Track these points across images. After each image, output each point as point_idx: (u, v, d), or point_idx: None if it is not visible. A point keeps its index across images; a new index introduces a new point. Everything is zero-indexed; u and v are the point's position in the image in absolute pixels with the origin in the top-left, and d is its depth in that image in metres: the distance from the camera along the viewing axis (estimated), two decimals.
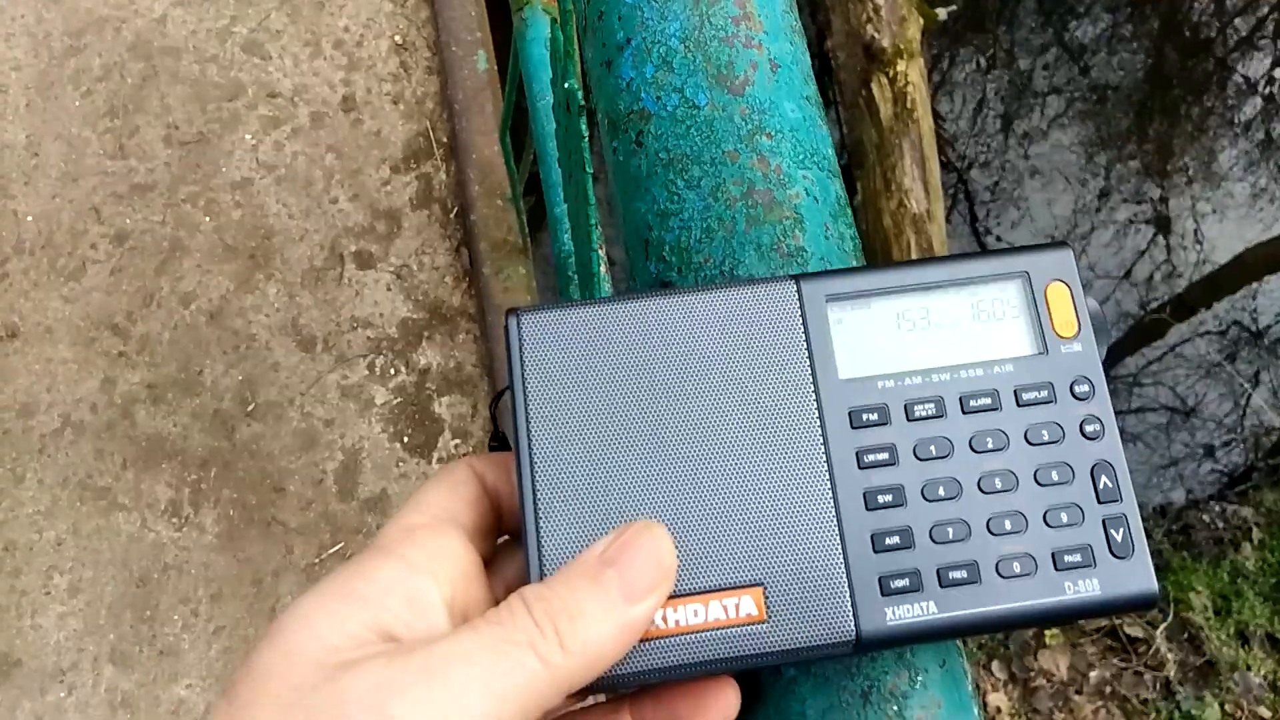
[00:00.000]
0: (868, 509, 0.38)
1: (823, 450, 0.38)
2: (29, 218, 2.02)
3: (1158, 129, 3.10)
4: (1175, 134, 3.08)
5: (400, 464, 1.83)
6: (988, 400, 0.40)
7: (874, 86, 2.17)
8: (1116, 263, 2.83)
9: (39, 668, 1.71)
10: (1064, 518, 0.38)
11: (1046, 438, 0.39)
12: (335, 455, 1.85)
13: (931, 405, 0.40)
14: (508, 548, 0.41)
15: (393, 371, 1.90)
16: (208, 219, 2.04)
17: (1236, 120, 3.14)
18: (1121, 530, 0.38)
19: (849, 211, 0.55)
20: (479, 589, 0.38)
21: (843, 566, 0.37)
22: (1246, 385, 2.58)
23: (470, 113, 2.03)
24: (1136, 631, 1.85)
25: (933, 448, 0.39)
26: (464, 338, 1.89)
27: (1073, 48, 3.20)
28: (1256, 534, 2.02)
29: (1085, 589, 0.38)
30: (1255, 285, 2.83)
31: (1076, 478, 0.39)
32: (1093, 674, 1.81)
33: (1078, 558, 0.38)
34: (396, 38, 2.11)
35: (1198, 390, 2.61)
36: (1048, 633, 1.91)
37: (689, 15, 0.55)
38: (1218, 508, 2.18)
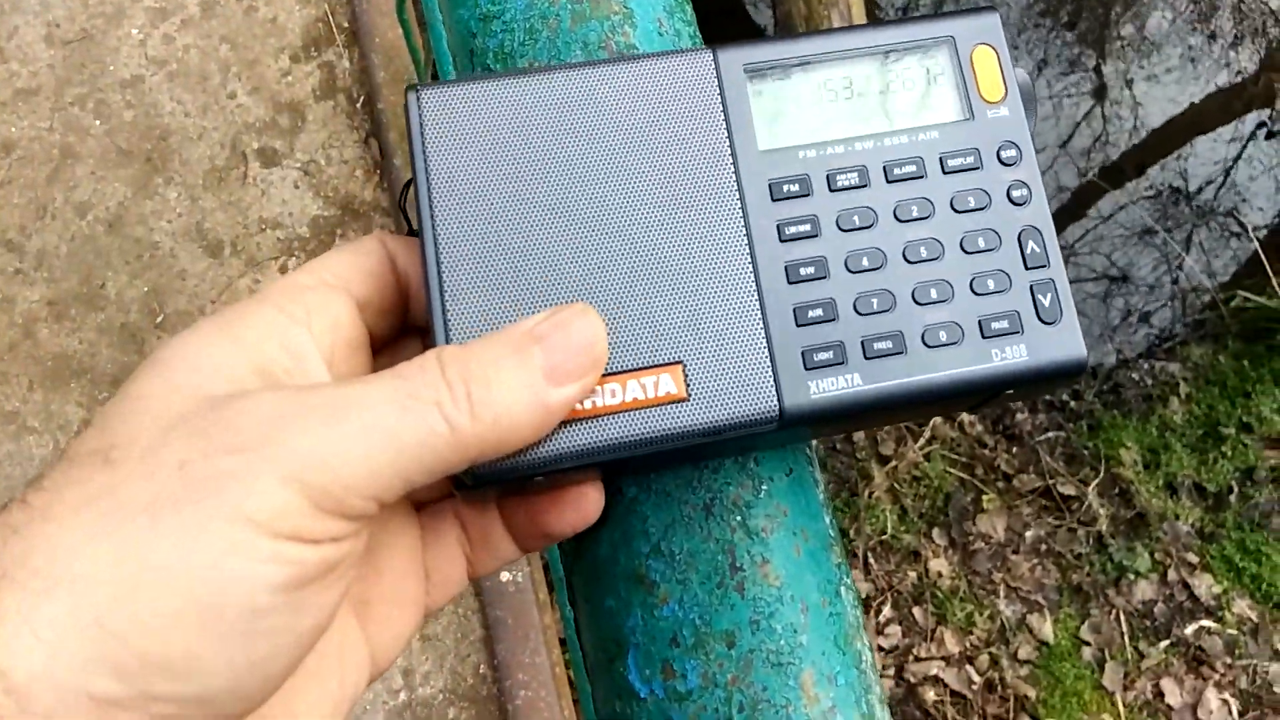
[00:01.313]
0: (789, 282, 0.36)
1: (742, 224, 0.37)
2: None
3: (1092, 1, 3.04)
4: (1110, 2, 3.03)
5: None
6: (912, 168, 0.38)
7: None
8: (1054, 133, 2.80)
9: None
10: (990, 284, 0.37)
11: (973, 204, 0.38)
12: None
13: (854, 175, 0.38)
14: (409, 341, 0.39)
15: None
16: (98, 122, 1.93)
17: None
18: (1049, 295, 0.37)
19: (688, 7, 0.49)
20: (361, 360, 0.36)
21: (764, 341, 0.36)
22: (1178, 248, 2.59)
23: None
24: (1069, 490, 1.87)
25: (855, 218, 0.37)
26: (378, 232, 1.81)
27: None
28: (1184, 388, 2.04)
29: (1013, 355, 0.36)
30: (1186, 149, 2.83)
31: (1003, 244, 0.37)
32: (1029, 533, 1.83)
33: (1004, 324, 0.37)
34: None
35: (1131, 255, 2.62)
36: (984, 497, 1.92)
37: None
38: (1146, 365, 2.20)
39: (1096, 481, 1.88)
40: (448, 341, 0.34)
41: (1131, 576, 1.81)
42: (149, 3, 1.97)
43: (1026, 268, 0.37)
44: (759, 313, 0.36)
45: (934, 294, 0.36)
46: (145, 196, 1.88)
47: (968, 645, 1.87)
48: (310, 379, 0.33)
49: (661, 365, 0.35)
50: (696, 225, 0.36)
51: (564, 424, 0.34)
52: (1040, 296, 0.37)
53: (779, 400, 0.35)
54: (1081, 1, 3.03)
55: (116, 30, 1.96)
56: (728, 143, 0.37)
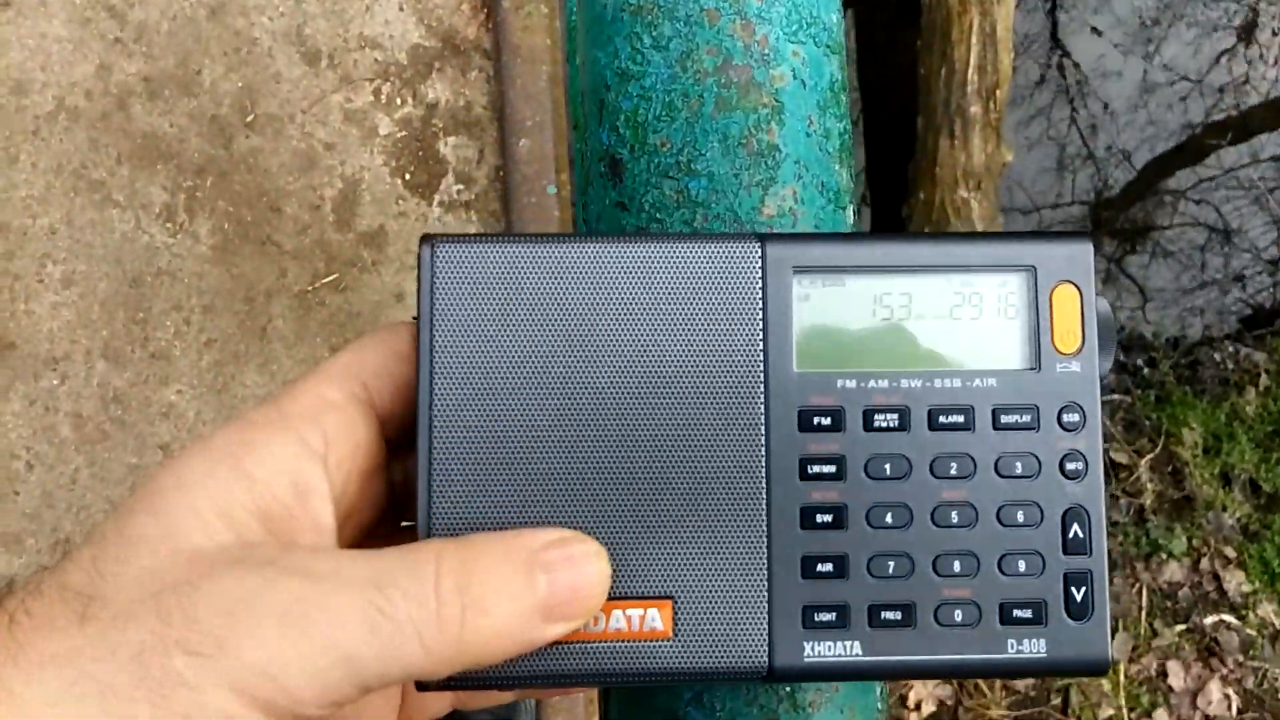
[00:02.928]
0: (803, 527, 0.34)
1: (763, 452, 0.34)
2: None
3: None
4: None
5: (400, 201, 1.77)
6: (960, 418, 0.35)
7: None
8: (1191, 66, 2.61)
9: (32, 353, 1.73)
10: (1021, 566, 0.34)
11: (1019, 470, 0.35)
12: (334, 182, 1.79)
13: (895, 416, 0.35)
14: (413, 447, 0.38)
15: (399, 101, 1.79)
16: None
17: None
18: (1084, 589, 0.34)
19: (843, 100, 0.46)
20: (375, 488, 0.35)
21: (765, 588, 0.33)
22: None
23: None
24: (1123, 458, 1.84)
25: (887, 466, 0.34)
26: (476, 75, 1.76)
27: None
28: (1264, 380, 1.96)
29: (1029, 649, 0.34)
30: None
31: (1044, 520, 0.34)
32: None
33: (1028, 613, 0.34)
34: None
35: (1242, 216, 2.49)
36: None
37: None
38: (1231, 348, 2.12)
39: (1152, 455, 1.85)
40: (430, 530, 0.33)
41: (1164, 556, 1.80)
42: None
43: (1065, 553, 0.34)
44: (764, 556, 0.33)
45: (957, 567, 0.34)
46: None
47: None
48: (314, 518, 0.32)
49: (651, 599, 0.33)
50: (713, 445, 0.34)
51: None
52: (1074, 588, 0.34)
53: (769, 657, 0.33)
54: None
55: None
56: (762, 355, 0.34)
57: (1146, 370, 2.05)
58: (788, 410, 0.34)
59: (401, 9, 1.81)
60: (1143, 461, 1.82)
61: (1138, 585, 1.78)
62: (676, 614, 0.33)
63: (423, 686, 0.33)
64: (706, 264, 0.35)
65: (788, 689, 0.38)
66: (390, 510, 0.37)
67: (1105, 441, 1.95)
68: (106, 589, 0.29)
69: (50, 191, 1.79)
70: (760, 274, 0.35)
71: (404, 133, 1.78)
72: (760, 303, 0.35)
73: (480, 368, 0.34)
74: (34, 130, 1.80)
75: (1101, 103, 2.54)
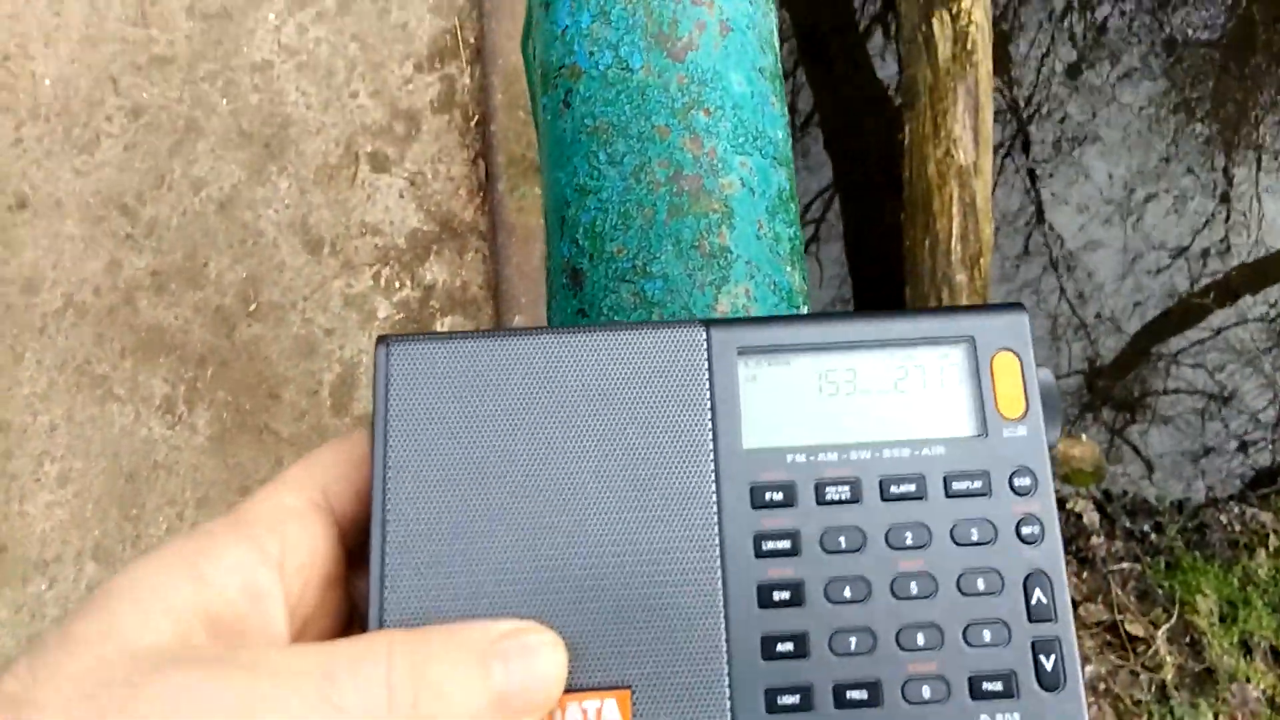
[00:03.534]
0: (761, 606, 0.33)
1: (716, 532, 0.34)
2: (46, 81, 1.97)
3: (1233, 97, 2.92)
4: (1251, 104, 2.90)
5: None
6: (912, 487, 0.34)
7: (935, 22, 2.03)
8: (1172, 235, 2.69)
9: (23, 556, 1.71)
10: (987, 636, 0.33)
11: (975, 537, 0.34)
12: (333, 366, 1.82)
13: (846, 488, 0.34)
14: None
15: (398, 285, 1.85)
16: (225, 101, 1.97)
17: None
18: (1053, 657, 0.33)
19: (792, 207, 0.47)
20: (333, 598, 0.34)
21: (725, 673, 0.32)
22: None
23: (501, 13, 1.93)
24: (1138, 630, 1.78)
25: (842, 539, 0.34)
26: (472, 256, 1.82)
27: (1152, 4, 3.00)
28: (1273, 541, 1.93)
29: None
30: None
31: (1006, 588, 0.33)
32: (1088, 668, 1.74)
33: (998, 685, 0.33)
34: None
35: (1236, 379, 2.51)
36: None
37: None
38: (1237, 509, 2.09)
39: (1168, 625, 1.79)
40: (382, 623, 0.32)
41: None
42: None
43: (1030, 620, 0.33)
44: (723, 638, 0.32)
45: (920, 640, 0.33)
46: (258, 182, 1.92)
47: None
48: (266, 625, 0.31)
49: (607, 689, 0.32)
50: (666, 529, 0.33)
51: None
52: (1043, 657, 0.33)
53: None
54: (1221, 97, 2.90)
55: (255, 12, 2.00)
56: (711, 436, 0.34)
57: (1154, 536, 2.01)
58: (739, 488, 0.34)
59: (401, 195, 1.88)
60: (1159, 633, 1.75)
61: None
62: (635, 704, 0.32)
63: None
64: (653, 350, 0.35)
65: None
66: (353, 624, 0.36)
67: (1120, 613, 1.90)
68: (41, 693, 0.28)
69: (53, 388, 1.81)
70: (706, 357, 0.35)
71: (402, 315, 1.83)
72: (707, 385, 0.35)
73: (433, 461, 0.34)
74: (41, 328, 1.84)
75: (1087, 272, 2.60)
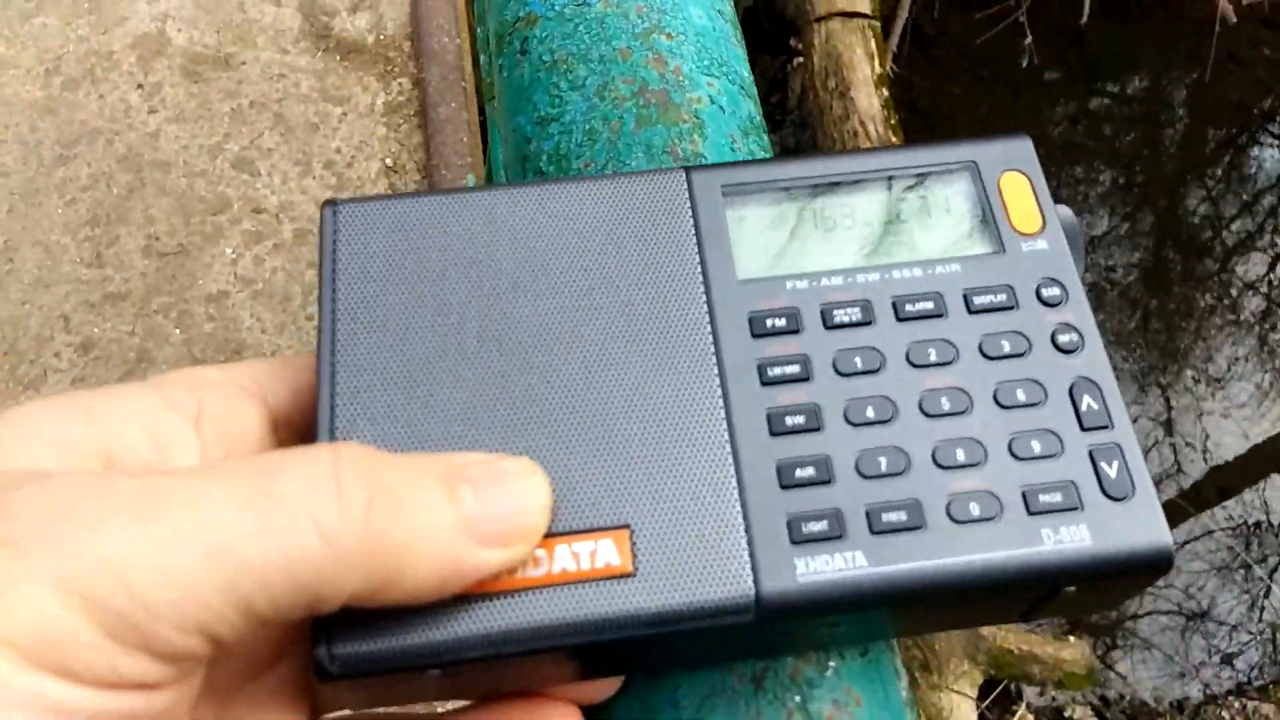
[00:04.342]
0: (772, 434, 0.29)
1: (714, 362, 0.30)
2: None
3: (1159, 327, 3.08)
4: (1177, 333, 3.06)
5: None
6: (929, 305, 0.31)
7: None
8: None
9: None
10: (1036, 447, 0.29)
11: (1008, 349, 0.30)
12: None
13: (856, 310, 0.31)
14: None
15: None
16: (178, 331, 1.98)
17: (1238, 320, 3.13)
18: (1115, 463, 0.28)
19: (765, 137, 0.46)
20: None
21: (738, 504, 0.28)
22: (1264, 579, 2.44)
23: None
24: None
25: (858, 360, 0.30)
26: None
27: None
28: None
29: (1070, 538, 0.27)
30: (1263, 482, 2.75)
31: (1050, 398, 0.29)
32: None
33: (1058, 497, 0.28)
34: (387, 160, 2.10)
35: (1211, 591, 2.49)
36: None
37: None
38: (1238, 704, 2.00)
39: None
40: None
41: None
42: (247, 226, 2.06)
43: (1083, 428, 0.29)
44: (731, 467, 0.28)
45: (961, 455, 0.28)
46: None
47: None
48: None
49: (602, 529, 0.27)
50: (656, 362, 0.29)
51: (467, 600, 0.26)
52: (1104, 464, 0.28)
53: (755, 583, 0.26)
54: (1148, 334, 3.05)
55: (212, 248, 2.05)
56: (699, 270, 0.31)
57: None
58: (736, 318, 0.30)
59: None
60: None
61: None
62: (635, 544, 0.27)
63: (322, 673, 0.25)
64: (629, 195, 0.32)
65: (797, 699, 0.30)
66: None
67: None
68: None
69: None
70: (689, 199, 0.32)
71: None
72: (692, 224, 0.32)
73: (389, 313, 0.30)
74: None
75: None
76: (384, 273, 0.31)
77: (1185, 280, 3.18)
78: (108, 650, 0.21)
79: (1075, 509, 0.28)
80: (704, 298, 0.31)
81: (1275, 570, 2.53)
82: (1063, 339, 0.30)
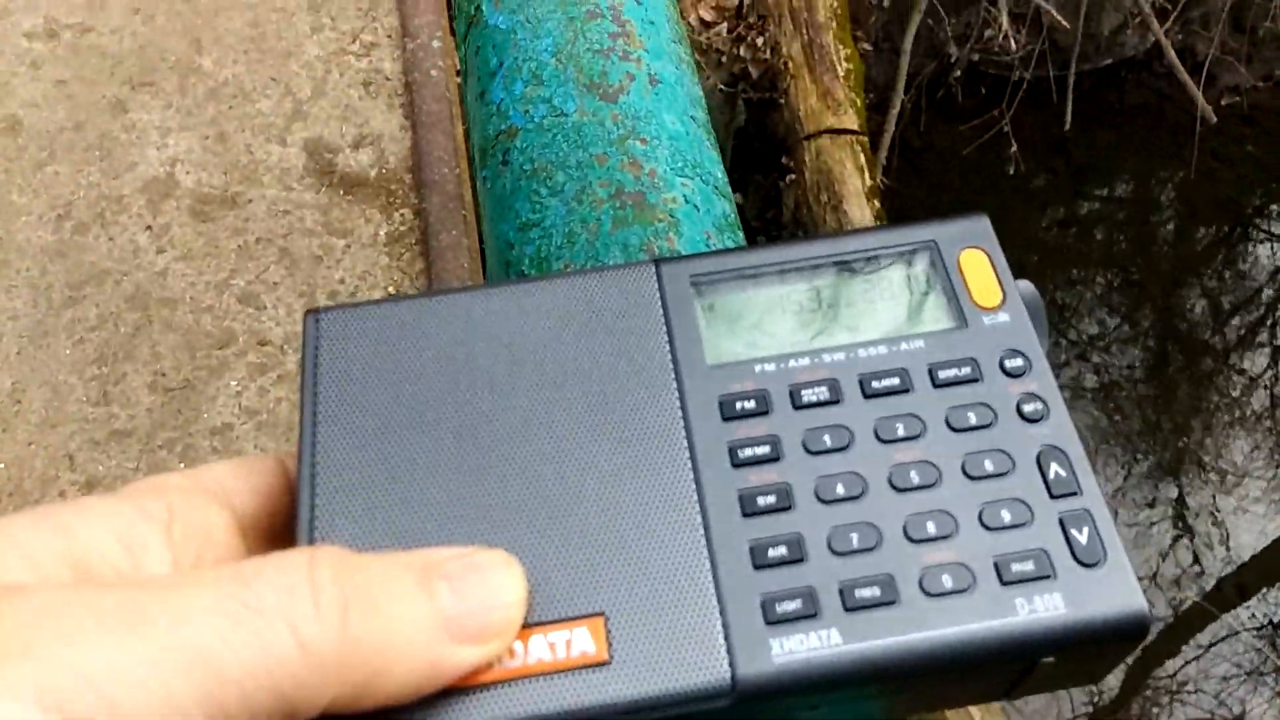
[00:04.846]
0: (745, 514, 0.29)
1: (685, 446, 0.30)
2: (0, 465, 1.97)
3: (1169, 425, 3.07)
4: (1187, 431, 3.05)
5: None
6: (895, 381, 0.31)
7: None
8: (1140, 566, 2.71)
9: None
10: (1006, 516, 0.29)
11: (974, 421, 0.30)
12: None
13: (824, 389, 0.31)
14: None
15: None
16: (182, 465, 1.97)
17: (1245, 414, 3.12)
18: (1085, 529, 0.28)
19: (740, 235, 0.47)
20: None
21: (712, 587, 0.28)
22: None
23: None
24: None
25: (826, 438, 0.30)
26: None
27: (1079, 343, 3.23)
28: None
29: (1044, 607, 0.27)
30: None
31: (1018, 467, 0.29)
32: None
33: (1030, 566, 0.28)
34: (390, 288, 2.14)
35: (1242, 694, 2.42)
36: None
37: (562, 31, 0.50)
38: None
39: None
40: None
41: None
42: (252, 358, 2.09)
43: (1052, 496, 0.29)
44: (704, 551, 0.28)
45: (932, 528, 0.28)
46: None
47: None
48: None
49: (577, 618, 0.27)
50: (627, 450, 0.30)
51: (445, 696, 0.26)
52: (1074, 531, 0.28)
53: (731, 665, 0.26)
54: (1156, 435, 3.04)
55: (217, 381, 2.06)
56: (670, 359, 0.32)
57: None
58: (707, 403, 0.31)
59: None
60: None
61: None
62: (610, 632, 0.27)
63: None
64: (602, 291, 0.33)
65: None
66: None
67: None
68: None
69: None
70: (658, 290, 0.33)
71: None
72: (662, 314, 0.33)
73: (368, 415, 0.31)
74: None
75: None
76: (363, 375, 0.31)
77: (1190, 377, 3.19)
78: None
79: (1048, 577, 0.28)
80: (674, 385, 0.31)
81: None
82: (1028, 408, 0.31)
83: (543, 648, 0.26)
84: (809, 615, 0.27)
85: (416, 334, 0.32)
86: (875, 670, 0.26)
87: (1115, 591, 0.27)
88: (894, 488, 0.29)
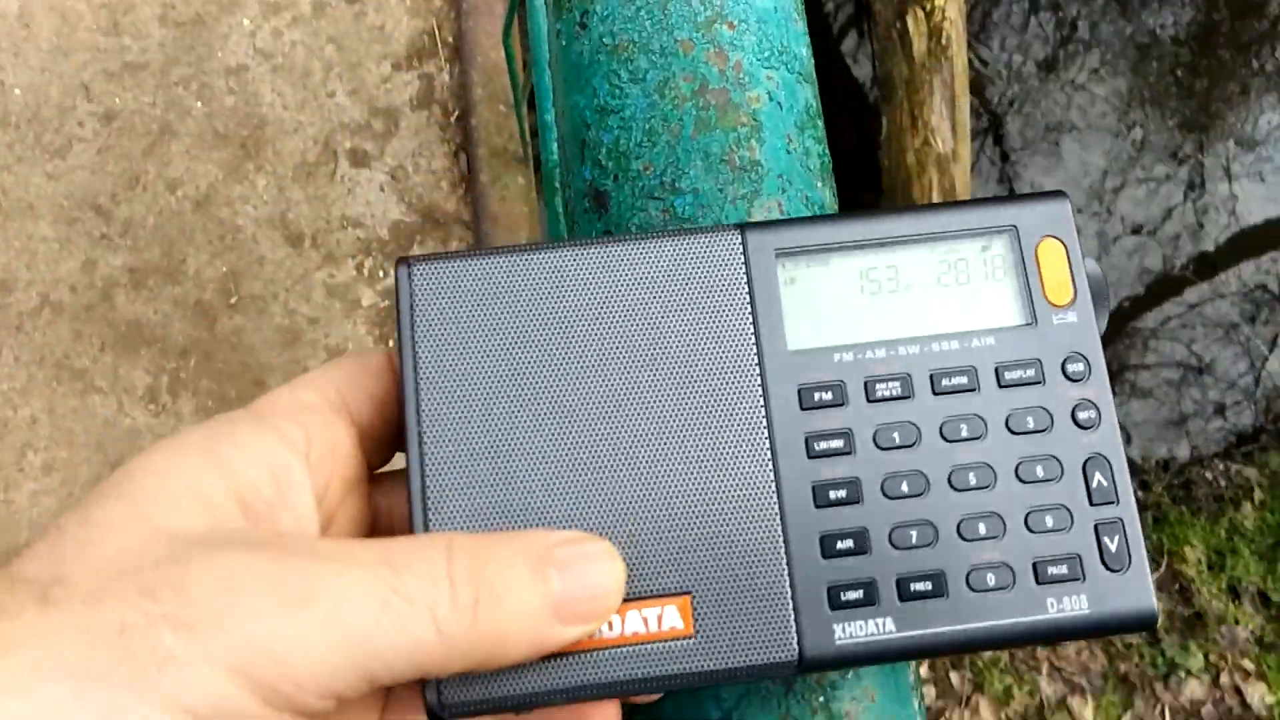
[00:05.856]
0: (817, 506, 0.32)
1: (766, 435, 0.33)
2: (16, 90, 1.95)
3: (1202, 86, 2.97)
4: (1219, 93, 2.96)
5: None
6: (963, 379, 0.34)
7: (909, 20, 2.05)
8: (1146, 217, 2.73)
9: (11, 544, 1.70)
10: (1049, 522, 0.33)
11: (1032, 425, 0.34)
12: (319, 354, 1.81)
13: (896, 384, 0.34)
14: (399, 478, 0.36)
15: (381, 274, 1.85)
16: (199, 104, 1.96)
17: None
18: (1117, 538, 0.33)
19: (819, 124, 0.48)
20: (357, 499, 0.34)
21: (786, 574, 0.32)
22: (1264, 348, 2.51)
23: (479, 12, 1.93)
24: None
25: (896, 435, 0.34)
26: (457, 245, 1.83)
27: None
28: (1258, 494, 1.97)
29: (1070, 606, 0.32)
30: None
31: (1065, 474, 0.33)
32: None
33: (1063, 569, 0.33)
34: None
35: (1213, 349, 2.55)
36: None
37: None
38: (1222, 466, 2.13)
39: (1157, 575, 1.83)
40: (426, 528, 0.32)
41: (1182, 674, 1.75)
42: None
43: (1091, 504, 0.33)
44: (780, 539, 0.32)
45: (982, 529, 0.32)
46: (235, 181, 1.91)
47: (1003, 718, 1.83)
48: (296, 514, 0.30)
49: (667, 595, 0.31)
50: (714, 434, 0.33)
51: (552, 658, 0.30)
52: (1106, 539, 0.33)
53: (799, 645, 0.31)
54: (1190, 87, 2.95)
55: (229, 18, 1.99)
56: (754, 340, 0.34)
57: (1141, 493, 2.04)
58: (787, 390, 0.34)
59: (382, 189, 1.88)
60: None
61: (1159, 705, 1.72)
62: (695, 609, 0.31)
63: (433, 716, 0.31)
64: (689, 257, 0.35)
65: (821, 699, 0.36)
66: (375, 536, 0.35)
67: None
68: (71, 572, 0.26)
69: (32, 382, 1.80)
70: (743, 261, 0.35)
71: (387, 302, 1.83)
72: (747, 289, 0.34)
73: (468, 380, 0.33)
74: (16, 326, 1.83)
75: None
76: (460, 339, 0.33)
77: (1234, 37, 3.05)
78: (264, 714, 0.26)
79: (1078, 579, 0.32)
80: (757, 369, 0.34)
81: (1277, 339, 2.58)
82: (1082, 415, 0.34)
83: (637, 621, 0.31)
84: (869, 604, 0.31)
85: (509, 294, 0.34)
86: (921, 653, 0.32)
87: (1133, 594, 0.32)
88: (952, 487, 0.33)
